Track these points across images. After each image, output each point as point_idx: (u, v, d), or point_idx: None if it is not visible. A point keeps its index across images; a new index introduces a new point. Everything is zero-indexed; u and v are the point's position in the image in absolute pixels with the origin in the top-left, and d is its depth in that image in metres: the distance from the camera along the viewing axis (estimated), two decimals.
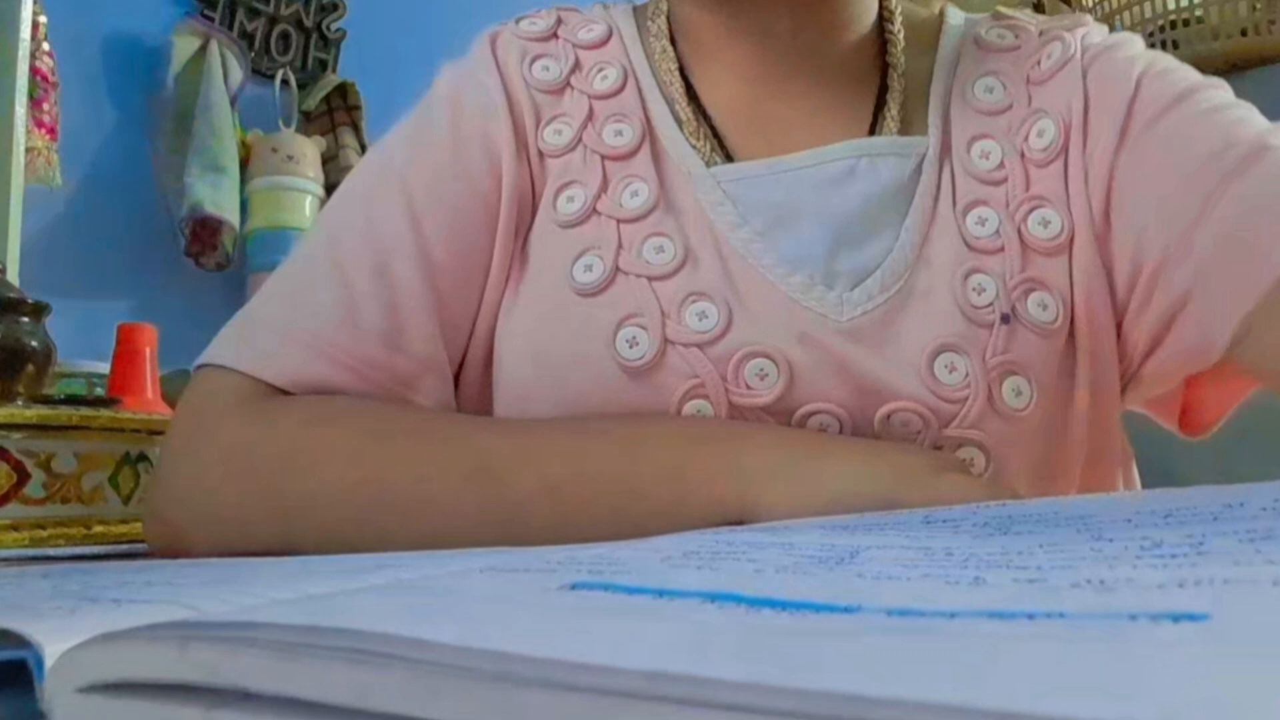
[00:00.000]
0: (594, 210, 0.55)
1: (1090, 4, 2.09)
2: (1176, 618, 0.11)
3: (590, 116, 0.58)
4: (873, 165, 0.55)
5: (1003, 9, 0.63)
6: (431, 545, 0.45)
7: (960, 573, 0.17)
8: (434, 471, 0.48)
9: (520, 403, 0.54)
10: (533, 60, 0.60)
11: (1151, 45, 2.06)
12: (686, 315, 0.52)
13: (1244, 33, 1.87)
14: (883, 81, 0.59)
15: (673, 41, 0.61)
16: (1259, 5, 1.87)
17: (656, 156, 0.57)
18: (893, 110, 0.58)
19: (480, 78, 0.60)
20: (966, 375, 0.50)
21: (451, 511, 0.47)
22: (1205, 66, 2.15)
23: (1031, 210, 0.54)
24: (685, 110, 0.58)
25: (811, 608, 0.14)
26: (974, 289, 0.51)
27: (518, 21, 0.63)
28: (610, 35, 0.62)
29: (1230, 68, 1.93)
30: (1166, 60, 0.58)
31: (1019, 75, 0.58)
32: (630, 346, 0.51)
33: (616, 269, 0.53)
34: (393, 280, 0.54)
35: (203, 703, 0.15)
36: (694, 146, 0.57)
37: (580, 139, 0.58)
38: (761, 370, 0.50)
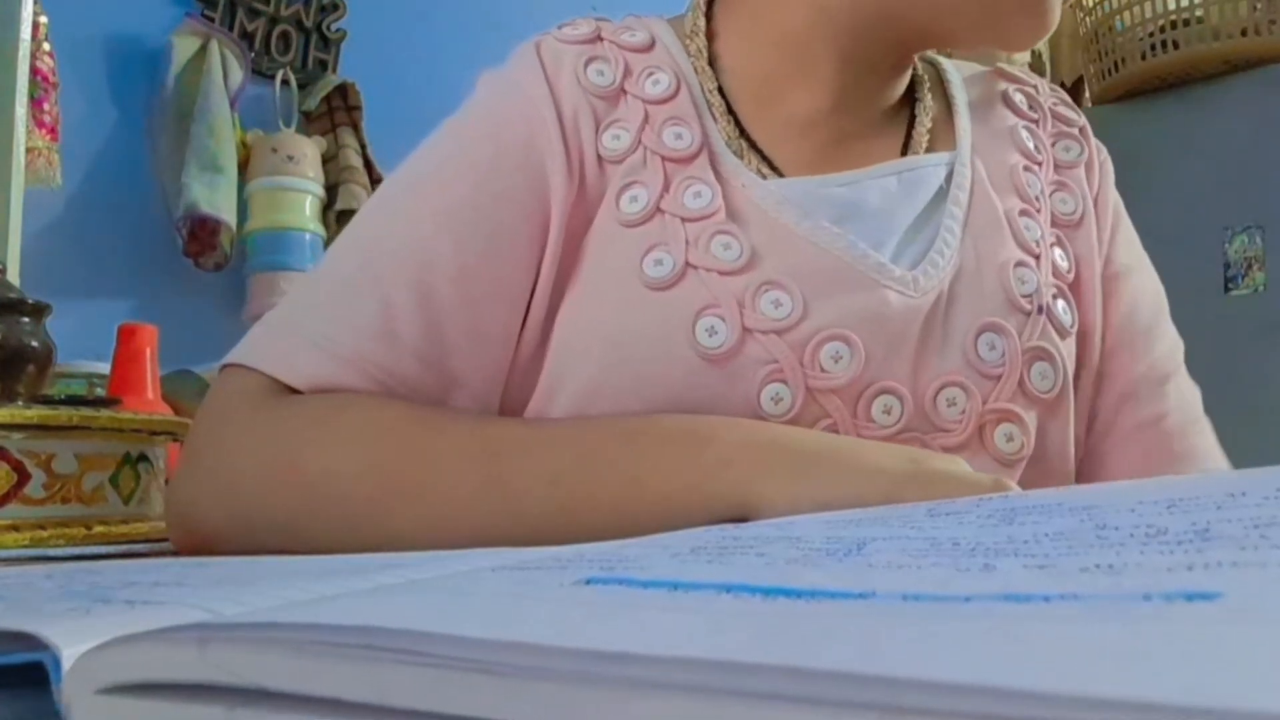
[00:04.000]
0: (658, 209, 0.56)
1: (1091, 4, 2.10)
2: (1190, 597, 0.11)
3: (646, 120, 0.59)
4: (913, 175, 0.60)
5: (1001, 66, 0.71)
6: (438, 528, 0.46)
7: (969, 560, 0.17)
8: (444, 457, 0.48)
9: (590, 396, 0.54)
10: (587, 63, 0.60)
11: (1152, 45, 2.08)
12: (762, 304, 0.54)
13: (1244, 33, 1.88)
14: (911, 115, 0.65)
15: (710, 62, 0.62)
16: (1259, 5, 1.87)
17: (715, 163, 0.58)
18: (923, 138, 0.63)
19: (525, 87, 0.59)
20: (1004, 354, 0.56)
21: (458, 496, 0.47)
22: (1205, 66, 2.15)
23: (1052, 245, 0.62)
24: (728, 128, 0.60)
25: (826, 595, 0.14)
26: (1019, 279, 0.58)
27: (560, 28, 0.63)
28: (654, 42, 0.63)
29: (1230, 68, 1.93)
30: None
31: (1046, 143, 0.66)
32: (710, 335, 0.53)
33: (687, 264, 0.55)
34: (430, 296, 0.54)
35: (224, 702, 0.15)
36: (743, 162, 0.59)
37: (640, 141, 0.58)
38: (836, 353, 0.53)
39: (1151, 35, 1.95)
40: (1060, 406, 0.58)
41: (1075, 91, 2.29)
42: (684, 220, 0.55)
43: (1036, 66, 2.27)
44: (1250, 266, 1.88)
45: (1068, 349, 0.59)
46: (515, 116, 0.58)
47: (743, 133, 0.60)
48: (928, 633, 0.11)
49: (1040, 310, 0.58)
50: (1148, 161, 1.89)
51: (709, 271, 0.54)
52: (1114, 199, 0.67)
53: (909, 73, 0.65)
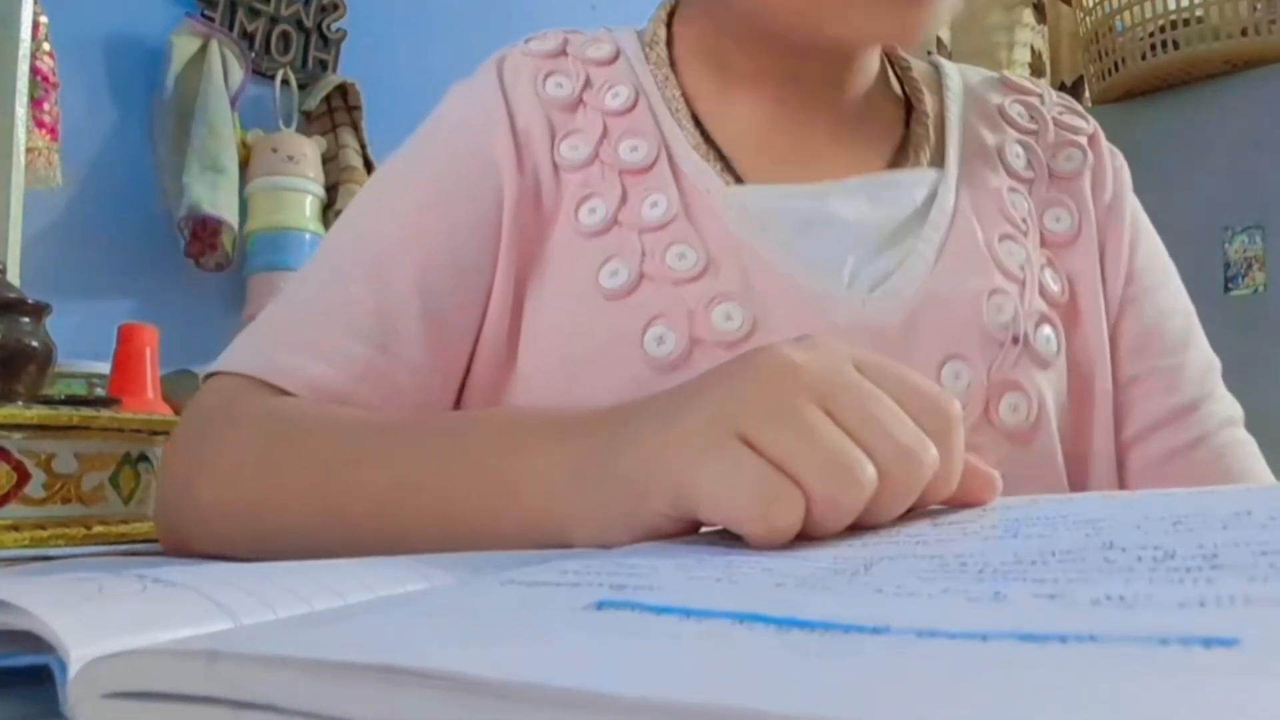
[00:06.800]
0: (615, 221, 0.57)
1: (1091, 4, 2.10)
2: (1208, 642, 0.11)
3: (605, 133, 0.60)
4: (888, 194, 0.59)
5: (1008, 75, 0.70)
6: (280, 547, 0.45)
7: (978, 587, 0.17)
8: (291, 469, 0.47)
9: (550, 403, 0.54)
10: (545, 77, 0.61)
11: (1152, 45, 2.08)
12: (713, 316, 0.54)
13: (1244, 33, 1.88)
14: (907, 124, 0.64)
15: (672, 67, 0.63)
16: (1259, 5, 1.87)
17: (674, 172, 0.58)
18: (925, 151, 0.62)
19: (483, 97, 0.61)
20: (969, 385, 0.54)
21: (293, 514, 0.46)
22: (1205, 66, 2.16)
23: (1043, 267, 0.60)
24: (693, 134, 0.60)
25: (840, 628, 0.14)
26: (994, 308, 0.56)
27: (526, 41, 0.64)
28: (617, 55, 0.64)
29: (1230, 68, 1.93)
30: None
31: (1043, 157, 0.64)
32: (658, 344, 0.53)
33: (641, 274, 0.55)
34: (389, 290, 0.55)
35: (230, 707, 0.15)
36: (709, 165, 0.59)
37: (597, 155, 0.59)
38: None
39: (1151, 35, 1.95)
40: (1034, 438, 0.56)
41: (1075, 91, 2.28)
42: (640, 231, 0.56)
43: (1037, 67, 2.27)
44: (1250, 266, 1.88)
45: (1048, 379, 0.57)
46: (472, 124, 0.60)
47: (707, 138, 0.61)
48: (948, 682, 0.11)
49: (1016, 341, 0.56)
50: (1148, 161, 1.89)
51: (663, 281, 0.55)
52: (1132, 207, 0.65)
53: (856, 76, 0.63)
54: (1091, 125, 0.67)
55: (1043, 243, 0.61)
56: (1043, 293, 0.59)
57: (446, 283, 0.56)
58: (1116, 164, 0.66)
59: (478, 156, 0.59)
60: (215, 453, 0.50)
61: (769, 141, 0.61)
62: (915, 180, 0.60)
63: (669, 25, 0.66)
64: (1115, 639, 0.12)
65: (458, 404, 0.59)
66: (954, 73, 0.68)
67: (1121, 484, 0.61)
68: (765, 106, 0.61)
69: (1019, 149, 0.64)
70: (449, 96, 0.63)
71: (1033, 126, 0.65)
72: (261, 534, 0.47)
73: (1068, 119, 0.66)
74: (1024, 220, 0.61)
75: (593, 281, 0.56)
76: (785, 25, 0.57)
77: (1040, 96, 0.68)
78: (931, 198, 0.59)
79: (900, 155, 0.62)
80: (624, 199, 0.57)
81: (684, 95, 0.62)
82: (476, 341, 0.58)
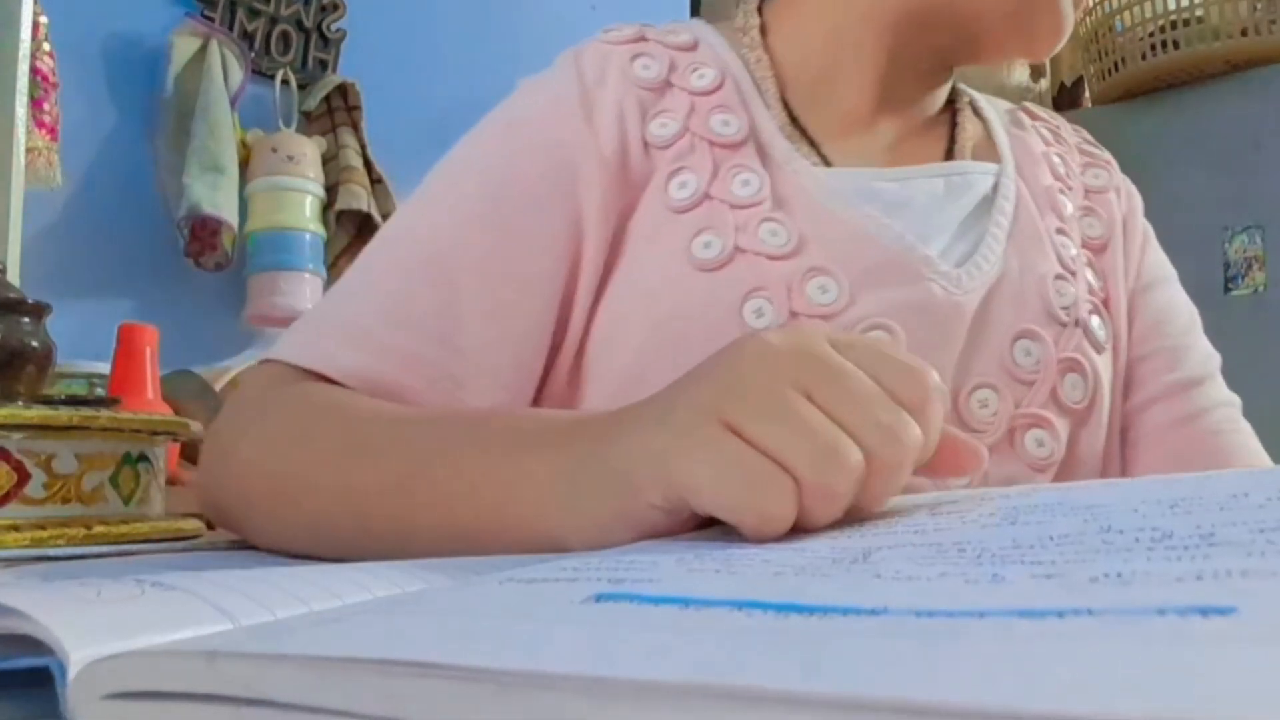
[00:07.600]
0: (706, 195, 0.57)
1: (1091, 4, 2.10)
2: (1204, 611, 0.11)
3: (693, 109, 0.60)
4: (961, 180, 0.62)
5: (1027, 105, 0.75)
6: (301, 536, 0.46)
7: (977, 570, 0.17)
8: (313, 460, 0.47)
9: (632, 379, 0.54)
10: (633, 58, 0.61)
11: (1152, 45, 2.08)
12: (809, 289, 0.55)
13: (1244, 33, 1.88)
14: (952, 123, 0.67)
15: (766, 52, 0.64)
16: (1259, 5, 1.87)
17: (761, 153, 0.59)
18: (967, 145, 0.65)
19: (555, 90, 0.60)
20: (1039, 361, 0.57)
21: (314, 503, 0.46)
22: (1205, 66, 2.16)
23: (1085, 265, 0.64)
24: (780, 116, 0.61)
25: (838, 611, 0.14)
26: (1058, 291, 0.60)
27: (605, 32, 0.64)
28: (696, 42, 0.64)
29: (1230, 68, 1.93)
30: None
31: (1076, 170, 0.69)
32: (757, 316, 0.54)
33: (736, 248, 0.56)
34: (448, 283, 0.55)
35: (230, 704, 0.15)
36: (795, 148, 0.60)
37: (687, 128, 0.59)
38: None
39: (1151, 35, 1.95)
40: (1091, 417, 0.59)
41: (1075, 91, 2.28)
42: (732, 206, 0.57)
43: (1037, 67, 2.27)
44: (1250, 266, 1.88)
45: (1103, 363, 0.60)
46: (538, 118, 0.60)
47: (795, 121, 0.62)
48: (944, 654, 0.11)
49: (1077, 323, 0.60)
50: (1148, 161, 1.89)
51: (757, 255, 0.55)
52: (1143, 225, 0.69)
53: (949, 83, 0.67)
54: (1106, 154, 0.72)
55: (1082, 244, 0.65)
56: (1088, 287, 0.63)
57: (511, 283, 0.56)
58: (1129, 188, 0.70)
59: (545, 153, 0.58)
60: (252, 426, 0.51)
61: (856, 130, 0.63)
62: (983, 170, 0.63)
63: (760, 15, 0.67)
64: (1112, 612, 0.12)
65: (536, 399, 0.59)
66: (981, 98, 0.72)
67: (1124, 452, 0.63)
68: (863, 103, 0.63)
69: (1057, 158, 0.68)
70: (518, 93, 0.62)
71: (1061, 147, 0.70)
72: (281, 508, 0.48)
73: (1087, 147, 0.71)
74: (1070, 218, 0.65)
75: (684, 253, 0.56)
76: (976, 14, 0.60)
77: (1059, 125, 0.72)
78: (995, 187, 0.63)
79: (951, 152, 0.65)
80: (715, 174, 0.58)
81: (775, 79, 0.63)
82: (558, 347, 0.57)
